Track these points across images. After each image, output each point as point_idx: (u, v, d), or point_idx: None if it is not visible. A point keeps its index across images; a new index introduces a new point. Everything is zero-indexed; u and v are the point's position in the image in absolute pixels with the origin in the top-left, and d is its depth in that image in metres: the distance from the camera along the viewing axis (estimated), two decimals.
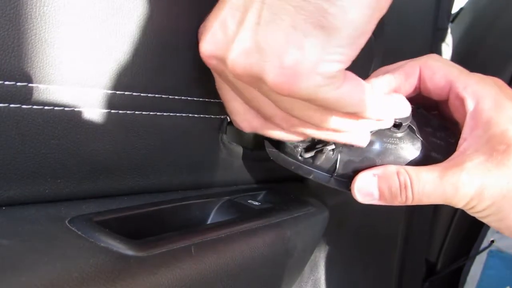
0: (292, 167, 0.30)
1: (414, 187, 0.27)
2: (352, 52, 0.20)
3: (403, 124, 0.28)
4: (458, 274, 0.77)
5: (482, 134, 0.27)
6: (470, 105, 0.28)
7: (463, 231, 0.79)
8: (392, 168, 0.28)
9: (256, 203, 0.33)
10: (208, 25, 0.24)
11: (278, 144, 0.31)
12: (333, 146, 0.28)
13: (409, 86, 0.31)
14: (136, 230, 0.25)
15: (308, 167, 0.29)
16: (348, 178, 0.29)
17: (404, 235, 0.70)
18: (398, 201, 0.28)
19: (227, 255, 0.26)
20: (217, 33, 0.23)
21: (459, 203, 0.27)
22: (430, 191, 0.27)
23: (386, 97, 0.27)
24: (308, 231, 0.35)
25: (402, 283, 0.72)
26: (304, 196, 0.38)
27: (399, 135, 0.29)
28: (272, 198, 0.36)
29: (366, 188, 0.28)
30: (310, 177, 0.29)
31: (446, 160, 0.28)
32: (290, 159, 0.30)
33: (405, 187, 0.27)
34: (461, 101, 0.29)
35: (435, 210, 0.79)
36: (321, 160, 0.29)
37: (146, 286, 0.21)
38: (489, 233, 0.75)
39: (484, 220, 0.28)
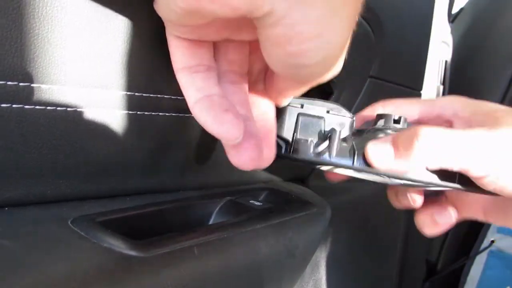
0: (310, 165, 0.29)
1: (433, 133, 0.25)
2: None
3: (402, 118, 0.29)
4: (458, 274, 0.77)
5: (476, 118, 0.28)
6: (448, 112, 0.30)
7: (463, 231, 0.79)
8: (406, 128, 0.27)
9: (258, 203, 0.33)
10: None
11: (288, 145, 0.30)
12: (345, 133, 0.28)
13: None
14: (138, 230, 0.25)
15: (326, 160, 0.29)
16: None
17: (404, 235, 0.70)
18: (415, 153, 0.25)
19: (229, 255, 0.26)
20: None
21: (482, 170, 0.25)
22: (449, 139, 0.25)
23: None
24: (309, 231, 0.35)
25: (402, 283, 0.72)
26: (306, 196, 0.38)
27: (401, 127, 0.29)
28: (274, 199, 0.36)
29: (380, 148, 0.27)
30: (331, 165, 0.29)
31: None
32: (305, 157, 0.29)
33: (423, 132, 0.25)
34: (438, 116, 0.30)
35: None
36: (337, 150, 0.28)
37: (149, 286, 0.21)
38: (489, 233, 0.75)
39: (503, 188, 0.27)
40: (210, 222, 0.32)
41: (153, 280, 0.21)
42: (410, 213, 0.70)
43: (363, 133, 0.29)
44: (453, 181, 0.28)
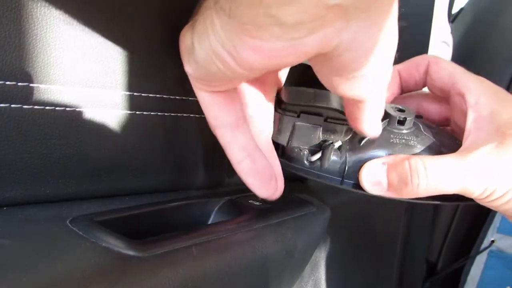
0: (301, 174, 0.29)
1: (428, 172, 0.25)
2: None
3: (408, 119, 0.28)
4: (458, 274, 0.77)
5: (488, 125, 0.27)
6: (471, 99, 0.29)
7: (463, 231, 0.78)
8: (402, 156, 0.27)
9: (257, 203, 0.33)
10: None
11: (283, 150, 0.30)
12: (339, 143, 0.28)
13: (418, 75, 0.32)
14: (137, 230, 0.25)
15: (317, 172, 0.28)
16: (357, 180, 0.28)
17: (404, 235, 0.70)
18: (408, 191, 0.26)
19: (228, 255, 0.26)
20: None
21: (475, 191, 0.25)
22: (444, 177, 0.25)
23: None
24: (308, 231, 0.35)
25: (402, 283, 0.72)
26: (305, 196, 0.38)
27: (405, 131, 0.28)
28: None
29: (374, 176, 0.27)
30: (320, 180, 0.29)
31: (458, 151, 0.27)
32: (297, 165, 0.29)
33: (417, 173, 0.26)
34: (462, 96, 0.30)
35: (435, 210, 0.79)
36: (329, 162, 0.28)
37: (148, 286, 0.21)
38: (489, 233, 0.75)
39: (505, 211, 0.27)
40: (209, 222, 0.32)
41: (152, 279, 0.21)
42: (410, 213, 0.70)
43: (360, 142, 0.28)
44: (441, 200, 0.28)
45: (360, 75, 0.20)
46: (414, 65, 0.32)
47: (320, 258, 0.47)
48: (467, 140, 0.28)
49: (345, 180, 0.28)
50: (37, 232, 0.21)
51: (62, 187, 0.24)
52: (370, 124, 0.25)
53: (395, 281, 0.70)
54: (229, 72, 0.20)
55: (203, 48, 0.20)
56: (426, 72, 0.32)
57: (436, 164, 0.26)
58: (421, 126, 0.29)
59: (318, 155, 0.28)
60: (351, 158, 0.28)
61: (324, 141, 0.28)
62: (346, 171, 0.28)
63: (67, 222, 0.22)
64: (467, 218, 0.77)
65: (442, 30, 0.71)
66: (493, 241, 0.75)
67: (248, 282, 0.28)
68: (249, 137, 0.26)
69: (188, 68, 0.22)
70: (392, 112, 0.29)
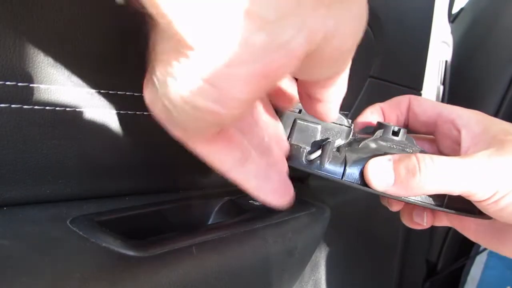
0: (300, 168, 0.29)
1: (435, 163, 0.26)
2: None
3: (402, 130, 0.29)
4: (458, 274, 0.77)
5: (484, 137, 0.28)
6: (462, 121, 0.30)
7: None
8: (408, 154, 0.27)
9: (257, 203, 0.33)
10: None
11: None
12: (339, 142, 0.28)
13: (399, 112, 0.34)
14: (137, 230, 0.25)
15: (318, 171, 0.29)
16: (359, 176, 0.28)
17: (404, 235, 0.70)
18: (416, 182, 0.26)
19: (228, 255, 0.26)
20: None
21: (485, 194, 0.26)
22: (451, 171, 0.25)
23: None
24: (308, 231, 0.35)
25: (403, 283, 0.72)
26: (305, 196, 0.38)
27: (399, 140, 0.29)
28: None
29: (380, 170, 0.27)
30: (321, 173, 0.29)
31: (461, 156, 0.27)
32: (297, 165, 0.29)
33: (425, 164, 0.26)
34: (452, 122, 0.31)
35: None
36: (329, 160, 0.28)
37: (148, 286, 0.21)
38: None
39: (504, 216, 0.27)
40: (209, 222, 0.32)
41: (152, 280, 0.21)
42: None
43: (359, 144, 0.28)
44: (442, 206, 0.28)
45: (336, 65, 0.21)
46: (396, 103, 0.34)
47: (320, 258, 0.47)
48: (467, 151, 0.29)
49: (345, 175, 0.28)
50: (37, 232, 0.21)
51: (62, 187, 0.24)
52: (334, 106, 0.25)
53: (395, 281, 0.70)
54: (212, 117, 0.18)
55: (171, 99, 0.18)
56: (408, 109, 0.33)
57: (443, 159, 0.26)
58: (413, 140, 0.30)
59: (318, 153, 0.28)
60: (350, 157, 0.28)
61: (323, 140, 0.28)
62: (346, 169, 0.28)
63: (67, 222, 0.22)
64: None
65: (442, 30, 0.71)
66: None
67: (248, 282, 0.28)
68: (260, 163, 0.25)
69: (174, 130, 0.20)
70: (385, 123, 0.30)
